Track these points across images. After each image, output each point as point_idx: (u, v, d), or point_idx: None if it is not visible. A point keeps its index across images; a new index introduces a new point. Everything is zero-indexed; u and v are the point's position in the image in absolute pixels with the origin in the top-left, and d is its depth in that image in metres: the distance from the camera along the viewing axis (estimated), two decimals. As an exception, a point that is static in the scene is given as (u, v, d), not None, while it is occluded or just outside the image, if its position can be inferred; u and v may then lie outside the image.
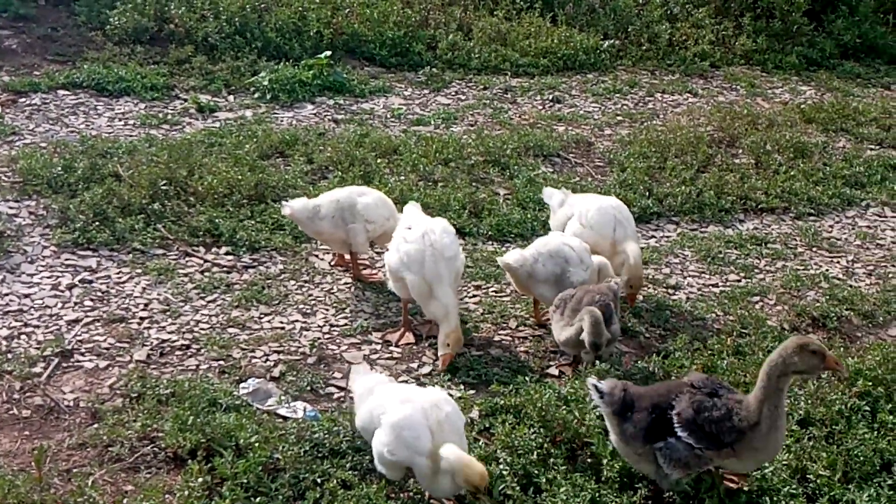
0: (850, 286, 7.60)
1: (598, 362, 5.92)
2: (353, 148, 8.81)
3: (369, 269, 7.26)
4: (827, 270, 7.87)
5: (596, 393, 4.98)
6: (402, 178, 8.40)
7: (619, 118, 10.75)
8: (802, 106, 11.41)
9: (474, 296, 7.03)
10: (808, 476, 5.25)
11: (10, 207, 7.45)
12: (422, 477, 4.80)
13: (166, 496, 4.86)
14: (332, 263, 7.26)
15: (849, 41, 13.71)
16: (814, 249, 8.26)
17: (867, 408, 5.74)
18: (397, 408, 4.82)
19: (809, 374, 4.85)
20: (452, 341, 5.97)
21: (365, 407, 5.00)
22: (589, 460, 5.25)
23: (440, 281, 6.04)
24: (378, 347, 6.35)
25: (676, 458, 4.83)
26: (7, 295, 6.48)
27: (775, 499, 5.05)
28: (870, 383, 5.89)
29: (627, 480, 5.14)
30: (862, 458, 5.34)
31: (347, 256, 7.11)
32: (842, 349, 6.48)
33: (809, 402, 5.78)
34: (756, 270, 7.79)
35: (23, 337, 6.10)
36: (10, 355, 5.89)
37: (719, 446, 4.80)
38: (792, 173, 9.40)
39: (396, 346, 6.33)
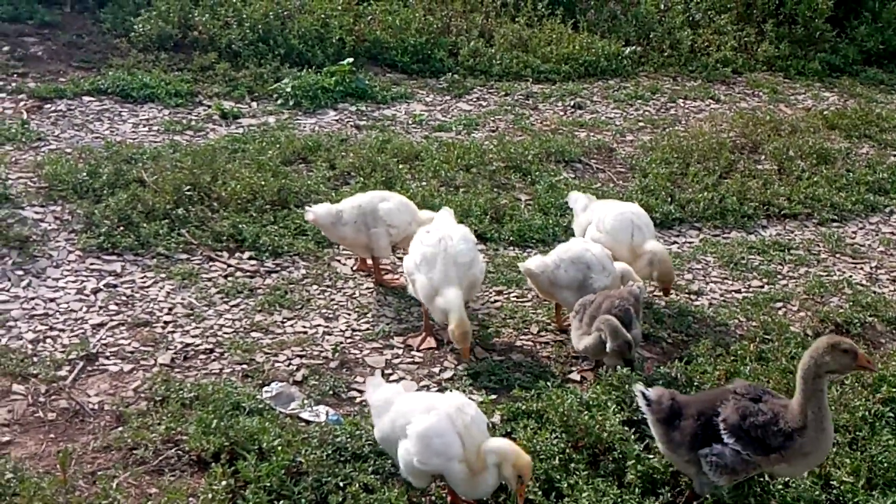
0: (874, 292, 7.56)
1: (619, 368, 5.91)
2: (374, 154, 8.85)
3: (391, 275, 7.28)
4: (850, 276, 7.83)
5: (643, 400, 5.03)
6: (424, 183, 8.42)
7: (641, 124, 10.74)
8: (825, 112, 11.37)
9: (496, 301, 7.04)
10: (831, 482, 5.23)
11: (36, 213, 7.52)
12: (458, 482, 4.79)
13: (190, 499, 4.89)
14: (355, 268, 7.29)
15: (872, 47, 13.65)
16: (837, 255, 8.23)
17: (891, 414, 5.72)
18: (423, 417, 4.82)
19: (842, 373, 4.81)
20: (458, 336, 5.99)
21: (386, 418, 4.97)
22: (611, 465, 5.24)
23: (447, 283, 6.05)
24: (399, 352, 6.37)
25: (723, 464, 4.82)
26: (33, 299, 6.54)
27: (799, 505, 5.04)
28: (894, 389, 5.87)
29: (650, 486, 5.13)
30: (886, 465, 5.32)
31: (370, 261, 7.13)
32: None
33: (833, 408, 5.74)
34: (779, 276, 7.76)
35: (48, 340, 6.16)
36: (35, 359, 5.94)
37: (767, 451, 4.78)
38: (815, 179, 9.36)
39: (418, 350, 6.34)
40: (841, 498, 5.17)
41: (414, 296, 6.42)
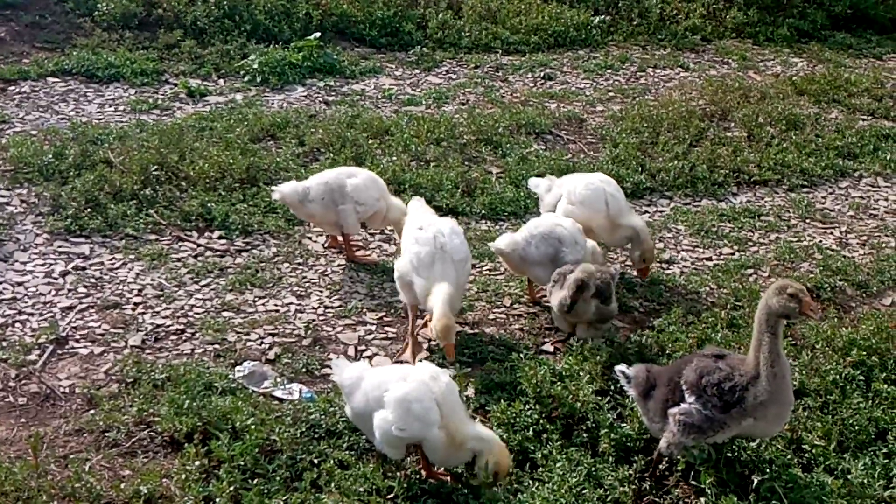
0: (844, 257, 7.61)
1: (590, 340, 5.93)
2: (344, 129, 8.79)
3: (363, 251, 7.25)
4: (820, 242, 7.88)
5: (624, 378, 5.16)
6: (395, 158, 8.38)
7: (611, 94, 10.73)
8: (794, 78, 11.40)
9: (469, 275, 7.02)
10: (803, 446, 5.29)
11: (2, 196, 7.44)
12: (436, 448, 4.80)
13: (163, 480, 4.88)
14: (326, 245, 7.26)
15: (840, 12, 13.67)
16: (807, 221, 8.27)
17: (861, 377, 5.77)
18: (400, 384, 4.82)
19: (790, 318, 4.81)
20: (440, 330, 5.60)
21: (358, 394, 4.95)
22: (584, 435, 5.26)
23: (445, 280, 5.80)
24: (373, 328, 6.36)
25: (689, 422, 4.85)
26: (1, 283, 6.47)
27: (771, 469, 5.07)
28: (864, 353, 5.93)
29: (623, 454, 5.17)
30: (857, 428, 5.38)
31: (340, 238, 7.10)
32: (836, 319, 6.50)
33: (804, 372, 5.80)
34: (750, 243, 7.80)
35: (17, 325, 6.10)
36: (4, 343, 5.89)
37: (726, 407, 4.81)
38: (784, 145, 9.39)
39: (413, 361, 5.92)
40: (812, 461, 5.22)
41: (405, 300, 6.12)
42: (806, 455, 5.25)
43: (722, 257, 7.55)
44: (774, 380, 4.75)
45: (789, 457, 5.20)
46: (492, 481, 4.78)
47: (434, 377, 4.89)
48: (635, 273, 7.06)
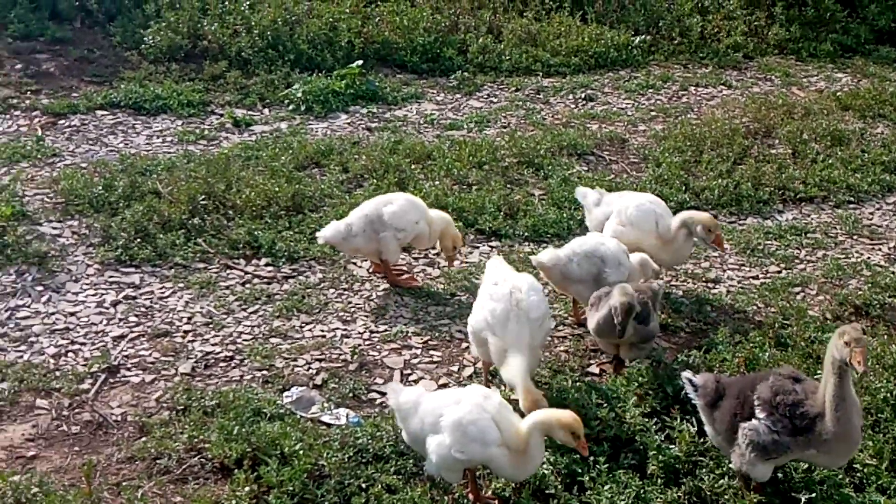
0: (893, 273, 7.51)
1: (637, 361, 5.92)
2: (387, 155, 8.87)
3: (406, 275, 7.30)
4: (868, 258, 7.80)
5: (690, 386, 5.12)
6: (437, 182, 8.44)
7: (653, 113, 10.72)
8: (838, 93, 11.31)
9: (513, 297, 7.03)
10: (854, 465, 5.22)
11: (54, 228, 7.59)
12: (503, 466, 4.79)
13: (214, 506, 4.94)
14: (371, 271, 7.31)
15: (884, 26, 13.55)
16: (854, 237, 8.18)
17: (913, 395, 5.68)
18: (454, 408, 4.84)
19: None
20: (528, 408, 5.18)
21: (415, 419, 4.96)
22: (632, 457, 5.24)
23: (518, 346, 5.48)
24: (418, 352, 6.39)
25: (755, 440, 4.80)
26: (53, 314, 6.60)
27: (821, 489, 5.01)
28: (915, 371, 5.85)
29: (672, 476, 5.13)
30: (909, 446, 5.30)
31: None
32: (885, 337, 6.43)
33: (855, 390, 5.72)
34: (796, 261, 7.73)
35: (70, 354, 6.22)
36: (58, 373, 6.00)
37: (794, 432, 4.76)
38: (830, 162, 9.32)
39: None
40: (864, 480, 5.16)
41: (476, 356, 5.97)
42: (857, 474, 5.19)
43: (769, 276, 7.50)
44: (839, 423, 4.66)
45: (841, 476, 5.13)
46: (578, 439, 4.77)
47: (486, 396, 4.91)
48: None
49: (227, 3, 11.79)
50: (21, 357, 6.14)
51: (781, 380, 4.91)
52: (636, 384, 5.75)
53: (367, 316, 6.77)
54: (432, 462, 4.87)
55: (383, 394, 5.93)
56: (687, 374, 5.19)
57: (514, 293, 5.63)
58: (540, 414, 4.85)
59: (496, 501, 5.07)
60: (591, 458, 5.12)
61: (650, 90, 11.46)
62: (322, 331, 6.58)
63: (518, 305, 5.57)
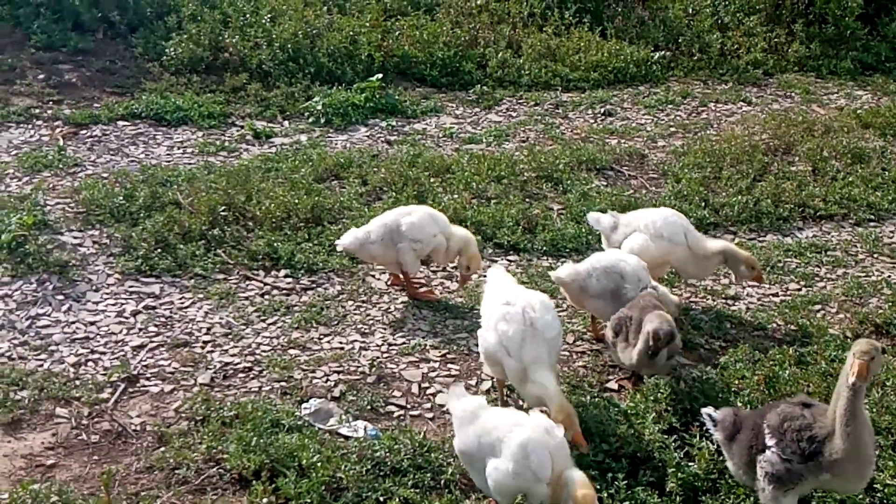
0: (914, 292, 7.48)
1: (654, 377, 5.89)
2: (406, 168, 8.89)
3: (425, 288, 7.30)
4: (889, 277, 7.76)
5: (710, 421, 5.12)
6: (456, 196, 8.45)
7: (673, 129, 10.71)
8: (859, 111, 11.26)
9: (531, 312, 7.02)
10: (875, 486, 5.18)
11: (75, 237, 7.63)
12: (535, 498, 4.70)
13: (232, 517, 4.95)
14: (389, 283, 7.32)
15: (904, 44, 13.51)
16: (875, 255, 8.15)
17: (934, 415, 5.64)
18: (523, 430, 4.77)
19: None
20: (563, 422, 5.09)
21: (470, 430, 4.92)
22: (651, 475, 5.22)
23: (538, 364, 5.42)
24: (436, 365, 6.39)
25: (770, 472, 4.78)
26: (74, 323, 6.63)
27: (842, 509, 4.99)
28: (936, 390, 5.80)
29: (691, 494, 5.11)
30: (931, 467, 5.26)
31: (402, 276, 7.16)
32: (907, 356, 6.39)
33: (874, 409, 5.69)
34: (816, 278, 7.70)
35: (90, 363, 6.25)
36: (77, 382, 6.03)
37: (805, 458, 4.71)
38: (850, 179, 9.28)
39: None
40: (885, 501, 5.12)
41: (491, 374, 5.98)
42: (878, 495, 5.15)
43: (788, 293, 7.47)
44: (848, 439, 4.58)
45: (861, 496, 5.10)
46: None
47: (548, 430, 4.82)
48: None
49: (248, 15, 11.85)
50: (41, 366, 6.17)
51: (791, 406, 4.88)
52: (654, 400, 5.73)
53: (385, 328, 6.78)
54: (488, 484, 4.80)
55: (401, 406, 5.95)
56: (707, 409, 5.18)
57: (527, 313, 5.54)
58: (587, 482, 4.66)
59: None
60: (610, 475, 5.12)
61: (669, 106, 11.45)
62: (340, 343, 6.59)
63: (533, 326, 5.49)
